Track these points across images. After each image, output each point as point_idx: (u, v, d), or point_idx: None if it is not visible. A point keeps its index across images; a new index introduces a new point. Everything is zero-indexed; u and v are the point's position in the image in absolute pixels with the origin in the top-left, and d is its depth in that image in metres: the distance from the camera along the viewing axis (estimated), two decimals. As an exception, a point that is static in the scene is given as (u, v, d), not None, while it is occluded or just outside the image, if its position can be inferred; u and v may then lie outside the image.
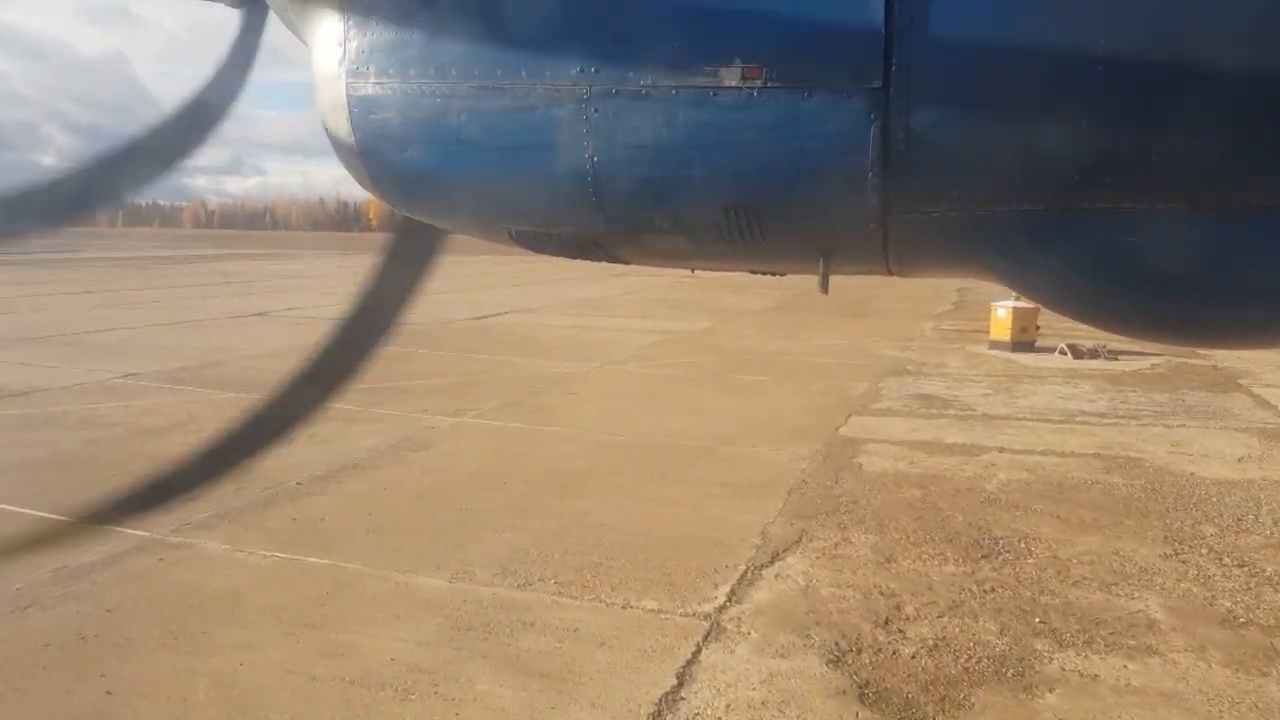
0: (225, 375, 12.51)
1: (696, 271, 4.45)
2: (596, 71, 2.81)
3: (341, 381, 4.01)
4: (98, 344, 15.39)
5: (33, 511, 6.75)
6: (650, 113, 2.81)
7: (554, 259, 3.95)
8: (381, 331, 4.00)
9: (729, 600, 5.33)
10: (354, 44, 3.10)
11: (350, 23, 3.12)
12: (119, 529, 6.35)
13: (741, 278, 4.41)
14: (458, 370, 13.25)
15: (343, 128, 3.20)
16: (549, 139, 2.93)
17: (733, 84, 2.69)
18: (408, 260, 3.96)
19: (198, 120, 3.67)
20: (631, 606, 5.23)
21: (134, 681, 4.40)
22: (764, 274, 4.01)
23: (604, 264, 3.95)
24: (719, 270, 3.82)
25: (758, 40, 2.69)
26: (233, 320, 19.74)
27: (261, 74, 3.75)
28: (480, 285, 30.60)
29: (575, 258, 3.54)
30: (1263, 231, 2.60)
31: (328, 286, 29.71)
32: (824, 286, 3.22)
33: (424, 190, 3.32)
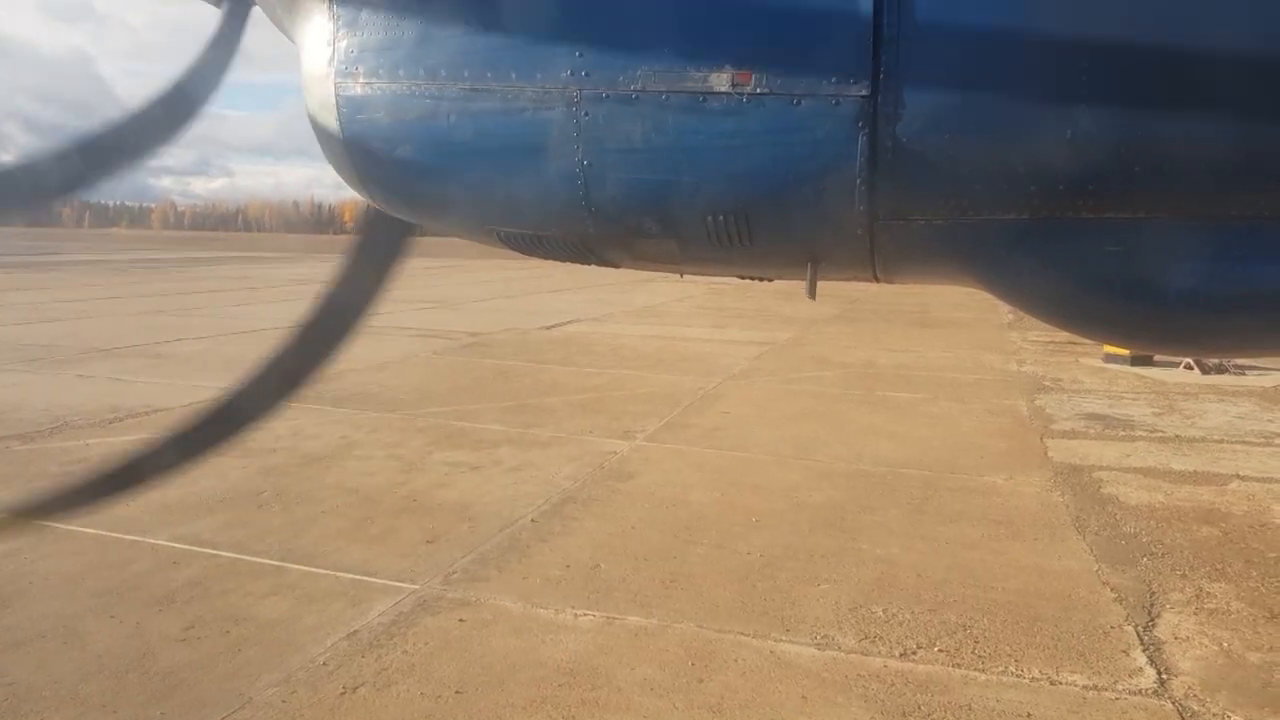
0: (348, 391, 11.65)
1: (685, 276, 4.13)
2: (587, 75, 2.75)
3: (303, 382, 3.93)
4: (178, 356, 14.41)
5: (264, 560, 5.94)
6: (640, 117, 2.74)
7: (547, 263, 3.70)
8: (346, 333, 3.95)
9: (1160, 672, 4.65)
10: (343, 44, 3.06)
11: (340, 23, 3.06)
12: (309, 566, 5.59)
13: (777, 283, 4.02)
14: (579, 386, 12.49)
15: (331, 127, 3.18)
16: (539, 142, 2.87)
17: (722, 90, 2.63)
18: (373, 261, 3.88)
19: (170, 115, 3.51)
20: (1057, 682, 4.53)
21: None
22: (752, 279, 3.86)
23: (625, 270, 3.67)
24: (708, 274, 3.74)
25: (748, 47, 2.63)
26: (296, 329, 18.68)
27: (230, 74, 3.61)
28: (520, 292, 29.82)
29: (564, 260, 3.49)
30: (1246, 241, 2.61)
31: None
32: (811, 292, 3.20)
33: (412, 191, 3.28)
